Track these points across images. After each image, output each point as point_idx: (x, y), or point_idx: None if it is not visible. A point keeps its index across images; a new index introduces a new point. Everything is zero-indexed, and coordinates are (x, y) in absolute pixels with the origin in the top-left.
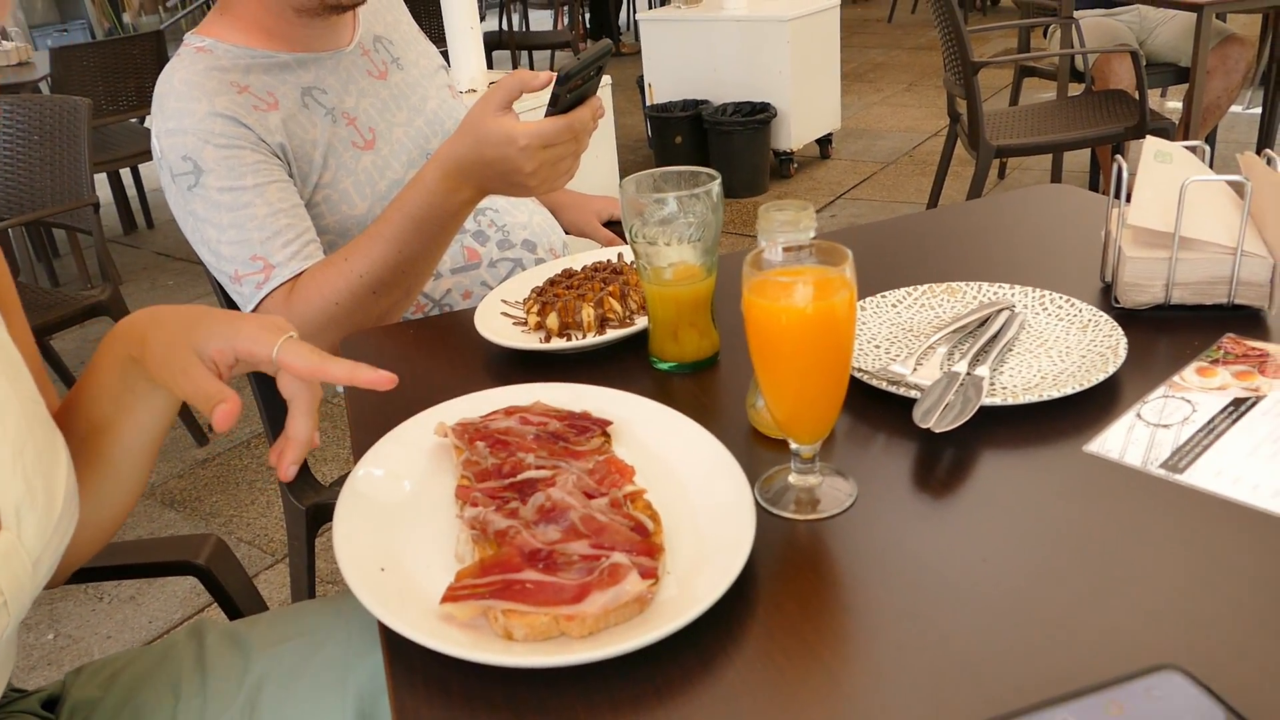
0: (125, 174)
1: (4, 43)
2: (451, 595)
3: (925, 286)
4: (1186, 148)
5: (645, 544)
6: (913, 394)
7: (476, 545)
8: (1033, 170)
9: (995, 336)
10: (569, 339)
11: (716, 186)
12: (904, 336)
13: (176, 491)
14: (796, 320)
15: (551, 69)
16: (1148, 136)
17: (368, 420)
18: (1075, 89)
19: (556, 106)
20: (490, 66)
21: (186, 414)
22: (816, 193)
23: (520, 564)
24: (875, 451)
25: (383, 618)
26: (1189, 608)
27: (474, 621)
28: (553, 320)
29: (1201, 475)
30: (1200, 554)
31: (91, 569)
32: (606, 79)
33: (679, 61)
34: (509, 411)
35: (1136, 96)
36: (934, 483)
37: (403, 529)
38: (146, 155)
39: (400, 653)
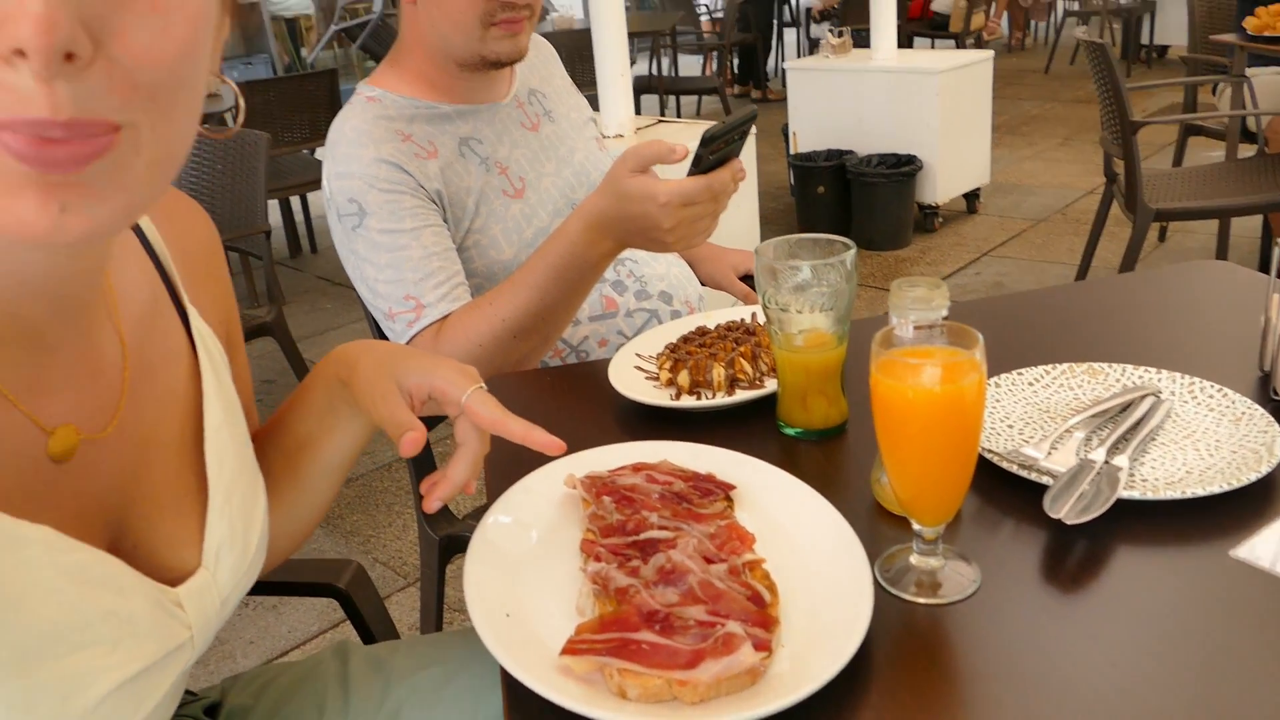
0: (294, 200)
1: None
2: (571, 649)
3: (1065, 366)
4: None
5: (761, 615)
6: (1045, 480)
7: (597, 600)
8: (1197, 234)
9: (1138, 424)
10: (699, 397)
11: (851, 255)
12: (1039, 418)
13: None
14: (923, 402)
15: (698, 114)
16: None
17: (503, 465)
18: (1246, 150)
19: (699, 166)
20: (638, 111)
21: None
22: (961, 249)
23: (638, 624)
24: (1002, 537)
25: (505, 663)
26: None
27: (590, 676)
28: (684, 378)
29: None
30: None
31: None
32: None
33: (825, 110)
34: (636, 468)
35: None
36: (1063, 576)
37: (528, 577)
38: (315, 184)
39: (519, 698)
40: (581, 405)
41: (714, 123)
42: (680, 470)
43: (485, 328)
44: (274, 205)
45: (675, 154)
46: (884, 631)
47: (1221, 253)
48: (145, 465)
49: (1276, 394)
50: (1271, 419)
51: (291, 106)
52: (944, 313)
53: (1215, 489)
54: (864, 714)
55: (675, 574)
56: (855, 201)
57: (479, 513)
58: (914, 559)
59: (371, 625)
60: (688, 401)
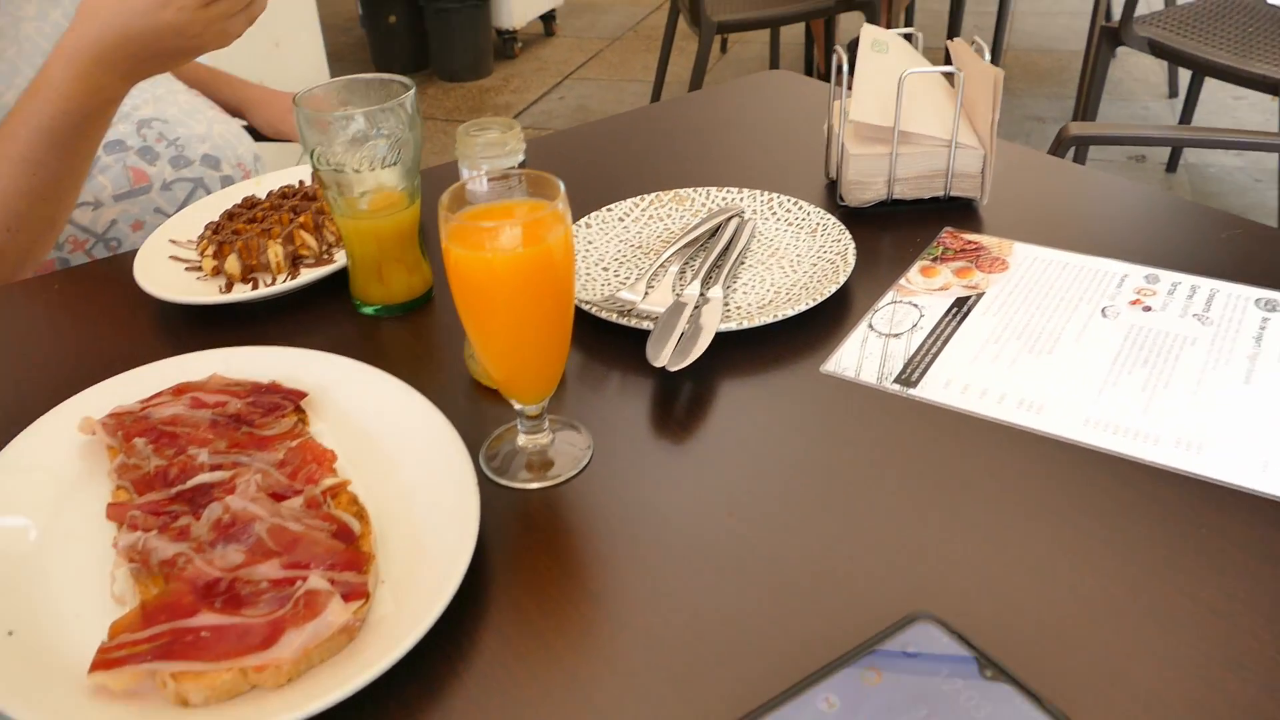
0: None
1: None
2: (103, 661)
3: (653, 196)
4: (901, 35)
5: (350, 553)
6: (645, 325)
7: (138, 582)
8: (753, 43)
9: (727, 248)
10: (255, 285)
11: (411, 97)
12: (633, 255)
13: None
14: (506, 270)
15: None
16: (865, 25)
17: None
18: None
19: None
20: None
21: None
22: (544, 73)
23: (193, 604)
24: (610, 394)
25: (3, 704)
26: (933, 539)
27: (140, 687)
28: (233, 263)
29: (933, 388)
30: (938, 476)
31: None
32: None
33: None
34: (178, 391)
35: None
36: (673, 424)
37: (39, 573)
38: None
39: None
40: (107, 317)
41: None
42: (235, 384)
43: None
44: None
45: None
46: (498, 532)
47: (774, 58)
48: None
49: (843, 200)
50: (843, 227)
51: None
52: (521, 157)
53: (802, 307)
54: (484, 637)
55: (237, 525)
56: (431, 30)
57: None
58: (521, 439)
59: None
60: (242, 292)
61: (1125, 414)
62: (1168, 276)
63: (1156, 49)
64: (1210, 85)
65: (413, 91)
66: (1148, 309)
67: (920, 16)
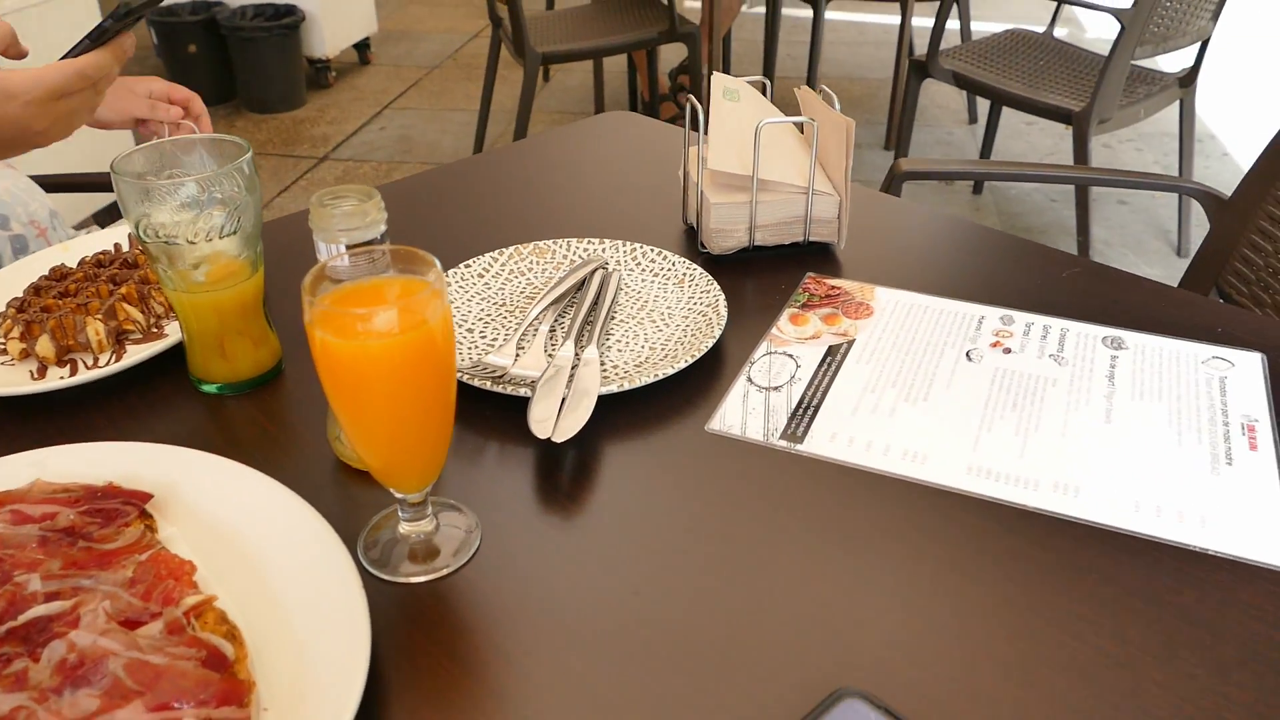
0: None
1: None
2: None
3: (512, 249)
4: (751, 83)
5: (226, 683)
6: (521, 391)
7: None
8: (576, 72)
9: (596, 303)
10: (74, 369)
11: (248, 159)
12: (499, 314)
13: None
14: (384, 357)
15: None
16: (714, 74)
17: None
18: None
19: (99, 40)
20: None
21: None
22: (361, 103)
23: None
24: (489, 467)
25: None
26: (841, 603)
27: None
28: (45, 345)
29: (819, 442)
30: (838, 536)
31: None
32: None
33: None
34: None
35: (666, 1)
36: (561, 497)
37: None
38: None
39: None
40: None
41: None
42: (64, 490)
43: None
44: None
45: (20, 49)
46: (385, 631)
47: (599, 86)
48: None
49: (704, 247)
50: (710, 277)
51: None
52: (383, 227)
53: (682, 364)
54: None
55: (86, 665)
56: (236, 60)
57: None
58: (403, 527)
59: None
60: (58, 379)
61: (1003, 460)
62: (1021, 317)
63: (960, 81)
64: (1006, 111)
65: (249, 154)
66: (1008, 350)
67: (737, 45)
